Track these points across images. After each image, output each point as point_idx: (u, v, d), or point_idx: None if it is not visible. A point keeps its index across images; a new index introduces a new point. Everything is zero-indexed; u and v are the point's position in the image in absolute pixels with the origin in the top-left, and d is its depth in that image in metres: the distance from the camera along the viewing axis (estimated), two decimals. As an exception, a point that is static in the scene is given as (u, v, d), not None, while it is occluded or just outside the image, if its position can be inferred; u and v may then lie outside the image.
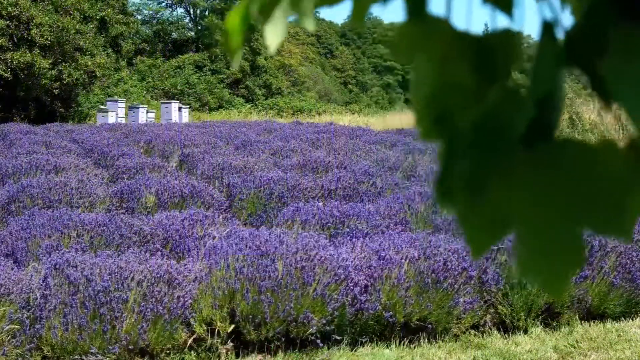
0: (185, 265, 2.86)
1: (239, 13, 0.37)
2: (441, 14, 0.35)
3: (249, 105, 24.80)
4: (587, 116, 10.63)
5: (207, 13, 29.16)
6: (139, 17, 28.72)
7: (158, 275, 2.64)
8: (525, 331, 2.93)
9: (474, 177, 0.32)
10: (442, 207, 0.35)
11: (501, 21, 0.35)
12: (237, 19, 0.37)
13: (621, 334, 2.91)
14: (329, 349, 2.68)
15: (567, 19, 0.33)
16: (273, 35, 0.36)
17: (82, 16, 17.63)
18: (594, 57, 0.31)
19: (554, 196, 0.31)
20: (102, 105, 17.49)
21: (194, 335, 2.68)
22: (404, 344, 2.75)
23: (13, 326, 2.43)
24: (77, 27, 16.86)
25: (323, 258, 2.79)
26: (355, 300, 2.75)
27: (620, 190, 0.30)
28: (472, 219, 0.32)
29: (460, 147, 0.32)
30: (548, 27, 0.32)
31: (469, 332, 2.89)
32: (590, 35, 0.31)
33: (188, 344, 2.66)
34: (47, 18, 16.10)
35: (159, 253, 3.18)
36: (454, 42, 0.34)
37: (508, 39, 0.34)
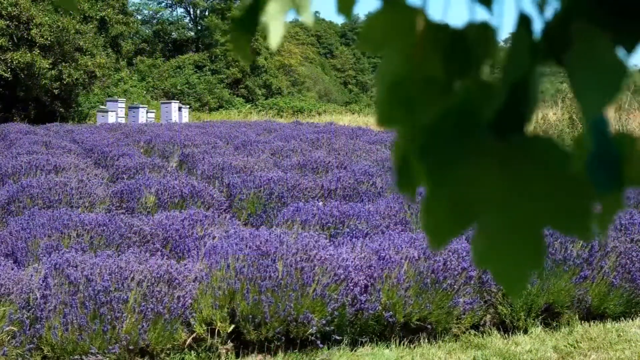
0: (186, 265, 2.86)
1: (245, 8, 0.38)
2: (417, 3, 0.35)
3: (249, 105, 24.80)
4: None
5: (207, 13, 29.16)
6: (139, 17, 28.73)
7: (158, 275, 2.64)
8: (525, 331, 2.93)
9: (438, 164, 0.31)
10: (401, 193, 0.34)
11: (481, 14, 0.35)
12: (242, 13, 0.38)
13: (621, 334, 2.91)
14: (329, 349, 2.68)
15: (547, 15, 0.33)
16: (275, 31, 0.37)
17: (82, 16, 17.62)
18: (563, 51, 0.31)
19: (519, 190, 0.31)
20: (102, 105, 17.49)
21: (194, 335, 2.68)
22: (404, 344, 2.75)
23: (13, 327, 2.43)
24: (77, 27, 16.86)
25: (323, 258, 2.79)
26: (355, 300, 2.75)
27: (585, 192, 0.30)
28: (434, 208, 0.32)
29: (425, 134, 0.32)
30: (524, 19, 0.32)
31: (469, 332, 2.89)
32: (561, 31, 0.31)
33: (188, 344, 2.66)
34: (47, 18, 16.09)
35: (159, 253, 3.18)
36: (428, 33, 0.34)
37: (483, 32, 0.34)
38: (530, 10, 0.33)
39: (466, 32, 0.34)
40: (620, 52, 0.32)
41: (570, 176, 0.30)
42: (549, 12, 0.33)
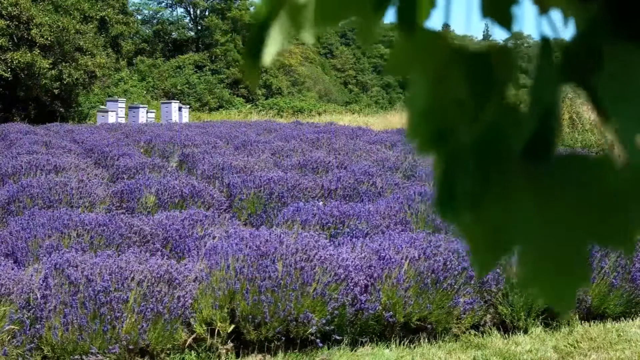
0: (186, 265, 2.86)
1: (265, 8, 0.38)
2: (437, 27, 0.35)
3: (249, 105, 24.80)
4: (587, 116, 10.63)
5: (207, 13, 29.16)
6: (139, 17, 28.74)
7: (158, 275, 2.64)
8: (526, 331, 2.93)
9: (473, 194, 0.32)
10: (445, 221, 0.35)
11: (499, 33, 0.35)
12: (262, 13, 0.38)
13: (621, 334, 2.91)
14: (329, 348, 2.68)
15: (566, 34, 0.33)
16: (270, 47, 0.37)
17: (82, 16, 17.63)
18: (589, 73, 0.31)
19: (556, 212, 0.31)
20: (102, 105, 17.49)
21: (194, 335, 2.68)
22: (404, 344, 2.76)
23: (13, 326, 2.43)
24: (77, 27, 16.86)
25: (323, 258, 2.79)
26: (355, 300, 2.75)
27: (621, 203, 0.31)
28: (475, 238, 0.32)
29: (458, 163, 0.33)
30: (546, 43, 0.32)
31: (469, 332, 2.89)
32: (587, 51, 0.31)
33: (188, 344, 2.66)
34: (47, 18, 16.09)
35: (159, 253, 3.18)
36: (449, 57, 0.34)
37: (505, 54, 0.34)
38: (552, 29, 0.33)
39: (487, 54, 0.34)
40: None
41: (604, 189, 0.30)
42: (569, 31, 0.33)
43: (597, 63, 0.30)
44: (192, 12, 30.01)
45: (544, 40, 0.32)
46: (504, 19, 0.34)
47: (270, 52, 0.37)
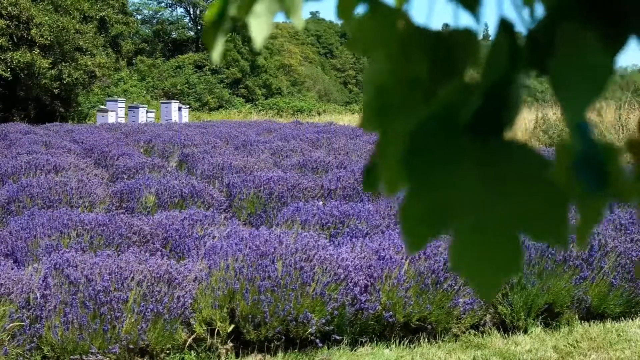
0: (185, 265, 2.86)
1: (215, 7, 0.39)
2: (401, 7, 0.35)
3: (248, 105, 24.80)
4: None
5: (207, 13, 29.14)
6: (139, 17, 28.73)
7: (158, 275, 2.64)
8: (525, 331, 2.93)
9: (419, 168, 0.31)
10: (366, 191, 0.35)
11: (464, 19, 0.35)
12: (213, 12, 0.39)
13: (621, 333, 2.91)
14: (328, 348, 2.68)
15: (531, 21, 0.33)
16: (258, 30, 0.37)
17: (82, 16, 17.63)
18: (547, 57, 0.31)
19: (496, 195, 0.31)
20: (102, 105, 17.49)
21: (194, 335, 2.68)
22: (404, 344, 2.76)
23: (13, 325, 2.43)
24: (77, 26, 16.86)
25: (323, 258, 2.79)
26: (355, 300, 2.75)
27: (562, 199, 0.30)
28: (413, 211, 0.32)
29: (405, 137, 0.32)
30: (504, 24, 0.32)
31: (469, 332, 2.89)
32: (545, 36, 0.31)
33: (188, 344, 2.66)
34: (47, 18, 16.09)
35: (159, 253, 3.18)
36: (412, 37, 0.34)
37: (467, 37, 0.34)
38: (514, 17, 0.33)
39: (450, 36, 0.34)
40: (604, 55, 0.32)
41: (547, 182, 0.30)
42: (533, 19, 0.33)
43: (554, 47, 0.30)
44: (191, 12, 30.00)
45: (502, 20, 0.32)
46: (469, 2, 0.34)
47: (260, 37, 0.37)
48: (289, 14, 0.36)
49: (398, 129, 0.33)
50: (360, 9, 0.36)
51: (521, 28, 0.33)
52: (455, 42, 0.34)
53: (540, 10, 0.33)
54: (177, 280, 2.67)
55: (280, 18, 0.39)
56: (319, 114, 22.89)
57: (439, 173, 0.31)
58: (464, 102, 0.31)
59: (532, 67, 0.32)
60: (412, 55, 0.34)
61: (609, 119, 9.70)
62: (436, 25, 0.36)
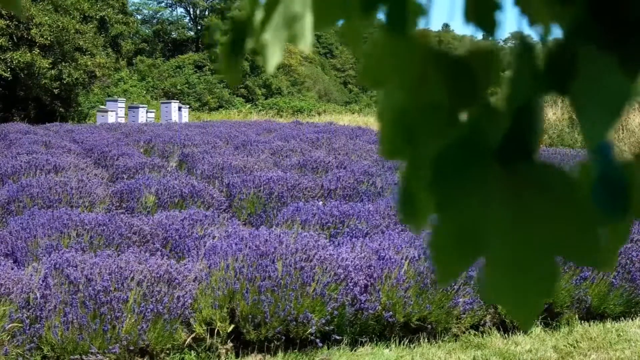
0: (185, 265, 2.86)
1: (228, 36, 0.39)
2: (415, 27, 0.34)
3: (248, 105, 24.80)
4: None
5: (207, 13, 29.16)
6: (139, 17, 28.74)
7: (158, 275, 2.64)
8: (525, 331, 2.93)
9: (446, 196, 0.31)
10: (406, 223, 0.34)
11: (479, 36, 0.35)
12: (227, 41, 0.39)
13: (621, 333, 2.91)
14: (328, 348, 2.68)
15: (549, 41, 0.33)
16: (271, 57, 0.37)
17: (81, 16, 17.63)
18: (568, 79, 0.31)
19: (528, 220, 0.30)
20: (102, 105, 17.49)
21: (194, 335, 2.68)
22: (403, 344, 2.76)
23: (14, 325, 2.43)
24: (77, 26, 16.86)
25: (323, 258, 2.79)
26: (355, 300, 2.75)
27: (593, 219, 0.30)
28: (443, 240, 0.31)
29: (431, 163, 0.32)
30: (526, 45, 0.32)
31: (469, 332, 2.89)
32: (565, 57, 0.31)
33: (188, 344, 2.66)
34: (47, 18, 16.10)
35: (159, 253, 3.18)
36: (432, 62, 0.34)
37: (487, 59, 0.33)
38: (532, 36, 0.33)
39: (469, 59, 0.34)
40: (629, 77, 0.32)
41: (577, 204, 0.30)
42: (551, 39, 0.32)
43: (574, 69, 0.30)
44: (191, 12, 30.01)
45: (522, 40, 0.32)
46: (487, 24, 0.34)
47: (273, 63, 0.37)
48: (296, 41, 0.37)
49: (422, 156, 0.32)
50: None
51: (539, 49, 0.33)
52: (475, 64, 0.33)
53: (557, 31, 0.32)
54: (177, 280, 2.67)
55: None
56: (319, 114, 22.89)
57: (468, 200, 0.31)
58: (489, 126, 0.31)
59: (552, 89, 0.32)
60: (431, 80, 0.33)
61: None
62: (435, 27, 0.35)
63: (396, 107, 0.34)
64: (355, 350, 2.69)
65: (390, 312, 2.73)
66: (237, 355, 2.66)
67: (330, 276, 2.73)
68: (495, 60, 0.33)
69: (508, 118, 0.30)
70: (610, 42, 0.31)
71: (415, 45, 0.34)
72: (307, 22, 0.34)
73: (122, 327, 2.47)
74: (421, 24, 0.34)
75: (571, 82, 0.30)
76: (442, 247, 0.31)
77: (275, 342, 2.67)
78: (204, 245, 3.11)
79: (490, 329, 2.95)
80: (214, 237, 3.24)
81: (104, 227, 3.36)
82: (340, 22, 0.35)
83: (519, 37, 0.32)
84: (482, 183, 0.31)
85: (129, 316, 2.49)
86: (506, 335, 2.91)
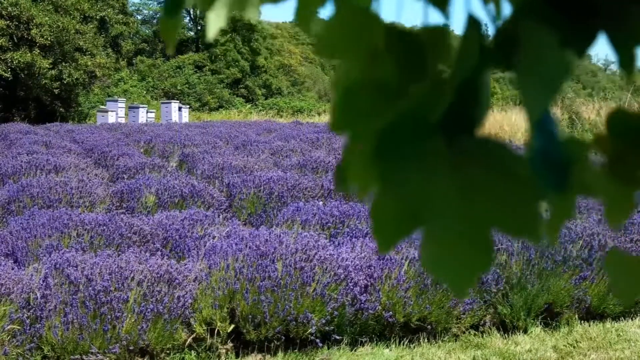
0: (186, 265, 2.86)
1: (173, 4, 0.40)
2: (369, 6, 0.34)
3: (249, 105, 24.80)
4: (587, 116, 10.63)
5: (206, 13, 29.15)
6: (139, 17, 28.74)
7: (158, 275, 2.64)
8: (525, 331, 2.94)
9: (389, 168, 0.31)
10: (339, 191, 0.35)
11: (433, 18, 0.36)
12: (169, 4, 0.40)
13: (621, 333, 2.91)
14: (328, 348, 2.69)
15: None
16: (214, 22, 0.38)
17: (82, 16, 17.64)
18: (512, 55, 0.31)
19: (468, 192, 0.31)
20: (102, 105, 17.49)
21: (194, 335, 2.68)
22: (403, 344, 2.76)
23: (14, 326, 2.44)
24: (77, 27, 16.87)
25: (323, 258, 2.79)
26: (355, 300, 2.75)
27: (534, 194, 0.30)
28: (383, 211, 0.31)
29: (377, 138, 0.32)
30: (473, 21, 0.32)
31: (469, 332, 2.90)
32: (511, 33, 0.31)
33: (188, 344, 2.66)
34: (47, 18, 16.10)
35: (159, 253, 3.18)
36: (383, 37, 0.34)
37: (438, 35, 0.34)
38: (483, 15, 0.33)
39: (420, 35, 0.34)
40: (570, 54, 0.32)
41: (519, 179, 0.30)
42: (500, 17, 0.33)
43: (517, 45, 0.30)
44: (191, 13, 30.01)
45: (470, 17, 0.32)
46: (440, 0, 0.34)
47: (214, 28, 0.38)
48: (245, 9, 0.37)
49: (368, 129, 0.32)
50: (322, 11, 0.36)
51: (489, 26, 0.33)
52: (425, 40, 0.34)
53: (507, 9, 0.33)
54: (177, 280, 2.67)
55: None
56: (319, 114, 22.89)
57: (410, 172, 0.31)
58: (434, 101, 0.31)
59: (500, 64, 0.32)
60: (382, 55, 0.34)
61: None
62: (405, 23, 0.36)
63: (349, 78, 0.34)
64: (355, 350, 2.70)
65: (390, 312, 2.74)
66: (237, 355, 2.66)
67: (330, 276, 2.73)
68: (445, 36, 0.34)
69: (452, 92, 0.30)
70: (552, 19, 0.31)
71: (369, 18, 0.34)
72: None
73: (122, 327, 2.47)
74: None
75: (515, 58, 0.30)
76: (382, 217, 0.32)
77: (276, 342, 2.67)
78: (204, 245, 3.11)
79: (490, 329, 2.95)
80: (214, 237, 3.25)
81: (104, 227, 3.37)
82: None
83: (467, 13, 0.32)
84: (425, 156, 0.31)
85: (129, 316, 2.50)
86: (506, 335, 2.92)
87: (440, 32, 0.34)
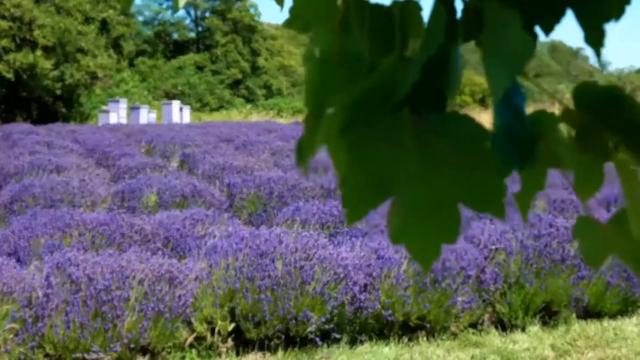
0: (186, 264, 2.88)
1: None
2: None
3: (249, 106, 24.82)
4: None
5: (207, 14, 29.20)
6: (140, 18, 28.79)
7: (159, 274, 2.66)
8: (523, 329, 2.95)
9: (358, 141, 0.31)
10: (298, 164, 0.35)
11: None
12: None
13: (618, 332, 2.93)
14: (328, 347, 2.70)
15: None
16: None
17: (83, 17, 17.68)
18: (478, 32, 0.31)
19: (435, 166, 0.31)
20: (104, 105, 17.53)
21: (195, 334, 2.70)
22: (403, 342, 2.78)
23: (16, 324, 2.46)
24: (79, 28, 16.91)
25: (322, 257, 2.81)
26: (355, 299, 2.77)
27: (500, 170, 0.30)
28: (352, 181, 0.32)
29: (347, 112, 0.32)
30: None
31: (467, 331, 2.91)
32: (477, 10, 0.31)
33: (189, 342, 2.68)
34: (49, 19, 16.15)
35: (160, 252, 3.20)
36: (352, 10, 0.34)
37: (409, 10, 0.34)
38: None
39: (391, 9, 0.34)
40: (539, 30, 0.33)
41: (485, 154, 0.30)
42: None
43: (482, 23, 0.30)
44: (192, 14, 30.04)
45: None
46: None
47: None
48: None
49: (339, 102, 0.32)
50: None
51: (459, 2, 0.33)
52: (396, 14, 0.34)
53: None
54: (178, 279, 2.69)
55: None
56: (320, 114, 22.86)
57: (378, 145, 0.31)
58: (403, 76, 0.32)
59: (468, 41, 0.32)
60: (354, 28, 0.34)
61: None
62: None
63: (321, 51, 0.34)
64: (354, 349, 2.72)
65: (390, 311, 2.75)
66: (237, 354, 2.68)
67: (329, 275, 2.75)
68: (415, 10, 0.34)
69: (419, 66, 0.30)
70: None
71: None
72: None
73: (124, 325, 2.49)
74: None
75: (480, 35, 0.30)
76: (351, 189, 0.32)
77: (276, 340, 2.69)
78: (205, 245, 3.13)
79: (489, 327, 2.97)
80: (214, 237, 3.27)
81: (106, 226, 3.39)
82: None
83: None
84: (392, 130, 0.31)
85: (130, 315, 2.52)
86: (504, 333, 2.93)
87: (411, 7, 0.34)
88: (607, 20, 0.33)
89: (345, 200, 0.32)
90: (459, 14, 0.33)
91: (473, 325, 2.95)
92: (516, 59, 0.28)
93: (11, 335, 2.46)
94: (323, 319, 2.67)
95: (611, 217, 0.37)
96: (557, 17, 0.33)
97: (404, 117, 0.31)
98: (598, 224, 0.37)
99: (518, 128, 0.30)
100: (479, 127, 0.31)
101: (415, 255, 0.32)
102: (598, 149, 0.33)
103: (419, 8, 0.34)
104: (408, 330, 2.85)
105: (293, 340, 2.72)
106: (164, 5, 29.91)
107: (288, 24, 0.36)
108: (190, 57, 26.80)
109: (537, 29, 0.34)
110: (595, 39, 0.33)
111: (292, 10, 0.36)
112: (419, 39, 0.33)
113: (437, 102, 0.32)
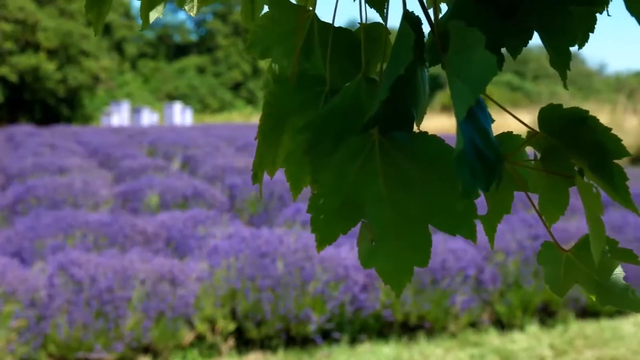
0: (188, 264, 2.91)
1: None
2: (306, 3, 0.35)
3: (250, 108, 24.88)
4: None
5: (208, 18, 29.29)
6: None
7: (161, 275, 2.69)
8: (522, 329, 2.97)
9: (323, 162, 0.31)
10: (254, 183, 0.35)
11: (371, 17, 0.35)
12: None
13: (615, 332, 2.94)
14: (329, 346, 2.73)
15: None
16: (144, 18, 0.41)
17: (86, 20, 17.73)
18: (442, 54, 0.31)
19: (405, 188, 0.30)
20: (106, 107, 17.60)
21: (196, 334, 2.73)
22: (402, 342, 2.80)
23: (19, 324, 2.49)
24: (82, 31, 17.00)
25: (322, 257, 2.83)
26: (355, 299, 2.79)
27: (467, 192, 0.28)
28: (318, 207, 0.31)
29: (311, 132, 0.31)
30: (409, 18, 0.31)
31: (467, 330, 2.93)
32: (445, 32, 0.31)
33: (190, 342, 2.71)
34: (52, 22, 16.23)
35: (162, 252, 3.23)
36: (317, 32, 0.34)
37: (374, 32, 0.34)
38: (421, 14, 0.33)
39: (356, 33, 0.34)
40: (505, 52, 0.33)
41: (451, 175, 0.29)
42: (438, 17, 0.33)
43: (447, 44, 0.30)
44: (194, 17, 30.07)
45: (405, 13, 0.32)
46: (377, 3, 0.34)
47: (150, 18, 0.41)
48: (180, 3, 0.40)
49: (303, 122, 0.32)
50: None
51: (428, 25, 0.33)
52: (362, 37, 0.34)
53: (445, 9, 0.33)
54: (179, 280, 2.72)
55: None
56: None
57: (344, 166, 0.31)
58: (369, 95, 0.32)
59: (435, 63, 0.32)
60: (315, 50, 0.34)
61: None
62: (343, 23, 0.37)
63: (281, 74, 0.34)
64: (355, 348, 2.74)
65: (390, 311, 2.78)
66: (238, 353, 2.71)
67: (330, 275, 2.78)
68: (380, 34, 0.34)
69: (385, 87, 0.30)
70: (483, 18, 0.31)
71: (303, 13, 0.34)
72: None
73: (126, 325, 2.52)
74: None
75: (445, 57, 0.30)
76: (319, 212, 0.31)
77: (276, 339, 2.72)
78: (206, 245, 3.16)
79: (487, 327, 2.99)
80: (216, 237, 3.30)
81: (108, 227, 3.42)
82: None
83: (403, 11, 0.32)
84: (360, 151, 0.31)
85: (133, 315, 2.55)
86: (503, 333, 2.95)
87: (378, 29, 0.34)
88: (573, 44, 0.33)
89: (314, 224, 0.31)
90: (426, 37, 0.33)
91: (472, 324, 2.97)
92: (479, 77, 0.27)
93: (15, 335, 2.49)
94: (323, 319, 2.69)
95: (575, 244, 0.35)
96: (524, 41, 0.33)
97: (372, 137, 0.31)
98: (562, 250, 0.35)
99: (483, 148, 0.29)
100: (447, 147, 0.30)
101: (386, 279, 0.31)
102: (563, 171, 0.33)
103: (386, 31, 0.34)
104: (408, 329, 2.87)
105: (294, 339, 2.74)
106: (166, 9, 29.96)
107: (247, 50, 0.35)
108: (192, 60, 26.88)
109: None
110: (561, 62, 0.33)
111: (251, 35, 0.35)
112: (384, 61, 0.33)
113: (405, 122, 0.31)
